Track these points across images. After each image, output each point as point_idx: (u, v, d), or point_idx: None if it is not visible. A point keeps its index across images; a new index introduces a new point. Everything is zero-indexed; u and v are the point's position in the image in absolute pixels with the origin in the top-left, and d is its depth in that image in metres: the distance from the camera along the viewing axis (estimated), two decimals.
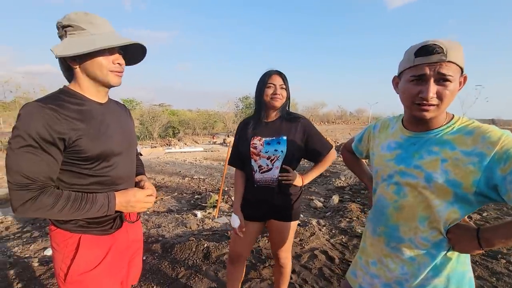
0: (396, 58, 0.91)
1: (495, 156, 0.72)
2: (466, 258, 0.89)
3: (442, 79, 0.77)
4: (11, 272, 2.36)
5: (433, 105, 0.79)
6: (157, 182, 8.62)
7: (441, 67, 0.76)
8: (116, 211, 1.00)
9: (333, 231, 3.27)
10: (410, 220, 0.87)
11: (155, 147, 18.07)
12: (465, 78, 0.83)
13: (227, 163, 4.45)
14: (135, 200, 1.01)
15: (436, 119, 0.84)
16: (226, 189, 6.67)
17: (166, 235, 3.27)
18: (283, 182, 1.46)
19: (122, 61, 0.99)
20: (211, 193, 6.05)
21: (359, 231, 3.20)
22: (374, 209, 1.02)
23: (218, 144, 22.19)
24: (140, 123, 21.94)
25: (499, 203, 3.28)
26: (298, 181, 1.49)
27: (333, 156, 1.56)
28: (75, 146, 0.88)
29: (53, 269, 2.37)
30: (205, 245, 2.68)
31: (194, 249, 2.63)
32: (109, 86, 0.99)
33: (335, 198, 5.11)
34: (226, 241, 2.80)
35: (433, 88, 0.78)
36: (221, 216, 4.27)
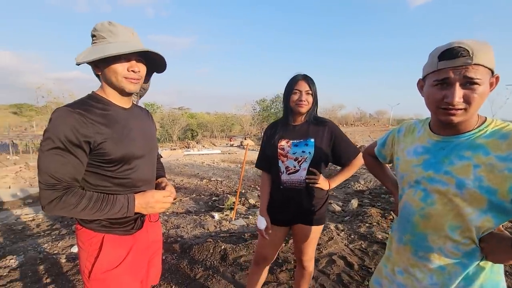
0: (420, 59, 0.87)
1: None
2: (499, 267, 0.84)
3: (469, 83, 0.73)
4: (41, 267, 2.50)
5: (460, 109, 0.75)
6: (176, 184, 8.82)
7: (467, 70, 0.72)
8: (136, 213, 1.03)
9: (352, 236, 3.18)
10: (439, 229, 0.83)
11: (175, 149, 18.53)
12: (497, 79, 0.77)
13: (245, 165, 4.44)
14: (153, 201, 1.03)
15: (466, 122, 0.80)
16: (243, 192, 6.69)
17: (184, 235, 3.33)
18: (310, 184, 1.46)
19: (139, 69, 1.00)
20: (228, 195, 6.10)
21: (380, 237, 3.09)
22: (400, 217, 0.98)
23: (236, 146, 22.37)
24: (160, 126, 22.64)
25: None
26: (325, 184, 1.49)
27: (360, 160, 1.54)
28: (100, 149, 0.93)
29: (78, 266, 2.49)
30: (223, 247, 2.70)
31: (211, 251, 2.66)
32: (124, 92, 1.01)
33: (354, 202, 4.98)
34: (243, 244, 2.81)
35: (459, 92, 0.74)
36: (238, 218, 4.29)
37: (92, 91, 1.03)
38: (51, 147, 0.86)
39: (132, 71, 0.97)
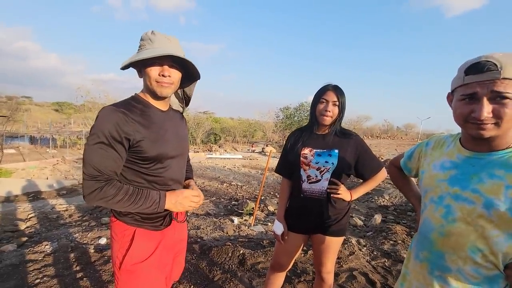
0: (453, 71, 0.85)
1: None
2: None
3: (499, 97, 0.70)
4: (72, 255, 2.67)
5: (491, 123, 0.72)
6: (198, 186, 9.03)
7: (495, 85, 0.70)
8: (165, 210, 1.09)
9: (375, 253, 3.06)
10: (459, 249, 0.79)
11: (198, 152, 18.99)
12: None
13: (266, 171, 4.44)
14: (182, 197, 1.09)
15: (501, 139, 0.76)
16: (262, 198, 6.69)
17: (204, 237, 3.40)
18: (331, 195, 1.44)
19: (170, 74, 1.03)
20: (247, 201, 6.13)
21: (405, 256, 2.94)
22: (419, 233, 0.95)
23: (257, 152, 22.45)
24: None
25: None
26: (347, 195, 1.46)
27: (383, 174, 1.52)
28: (138, 146, 1.00)
29: (105, 257, 2.63)
30: (241, 252, 2.71)
31: (230, 254, 2.68)
32: (157, 95, 1.07)
33: (378, 218, 4.78)
34: (261, 250, 2.81)
35: (487, 107, 0.71)
36: (257, 225, 4.29)
37: (135, 93, 1.11)
38: (96, 141, 0.93)
39: (163, 75, 1.03)
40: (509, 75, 0.69)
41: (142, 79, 1.08)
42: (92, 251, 2.77)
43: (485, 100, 0.72)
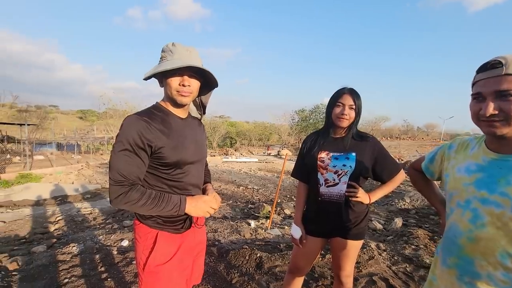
0: (476, 66, 0.84)
1: None
2: None
3: (503, 94, 0.72)
4: (97, 256, 2.80)
5: (500, 120, 0.74)
6: (214, 189, 9.13)
7: (498, 81, 0.72)
8: (185, 214, 1.13)
9: (395, 258, 2.97)
10: (488, 254, 0.77)
11: (214, 155, 19.24)
12: None
13: (282, 175, 4.44)
14: (202, 202, 1.13)
15: None
16: (279, 201, 6.67)
17: (221, 240, 3.44)
18: (350, 197, 1.44)
19: (189, 83, 1.07)
20: (264, 204, 6.14)
21: (428, 261, 2.84)
22: (445, 237, 0.93)
23: (272, 155, 22.40)
24: None
25: None
26: (365, 198, 1.45)
27: (402, 177, 1.51)
28: (159, 153, 1.05)
29: (128, 259, 2.73)
30: (258, 255, 2.73)
31: (247, 257, 2.71)
32: (177, 104, 1.12)
33: (398, 221, 4.63)
34: (278, 254, 2.81)
35: (492, 104, 0.74)
36: (273, 228, 4.29)
37: (156, 102, 1.17)
38: (121, 148, 0.99)
39: (183, 85, 1.08)
40: (511, 71, 0.70)
41: (162, 88, 1.14)
42: (115, 252, 2.88)
43: (490, 98, 0.74)
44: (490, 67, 0.74)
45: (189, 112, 1.25)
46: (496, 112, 0.73)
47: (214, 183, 9.86)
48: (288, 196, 8.38)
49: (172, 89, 1.08)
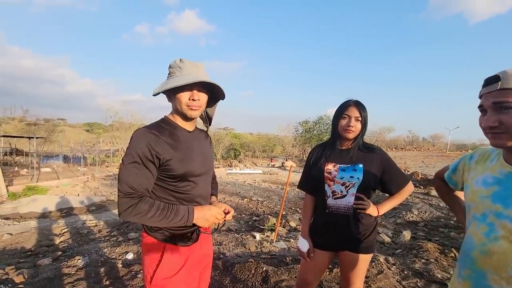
0: (482, 77, 0.86)
1: None
2: None
3: (500, 107, 0.75)
4: (102, 269, 2.78)
5: (501, 132, 0.75)
6: (218, 201, 9.07)
7: (494, 95, 0.76)
8: (193, 225, 1.14)
9: (406, 272, 2.89)
10: (501, 269, 0.76)
11: (218, 167, 19.23)
12: None
13: (287, 187, 4.41)
14: (210, 213, 1.14)
15: None
16: (284, 213, 6.60)
17: (226, 253, 3.40)
18: (358, 210, 1.42)
19: (199, 97, 1.11)
20: (269, 216, 6.07)
21: (439, 276, 2.76)
22: (461, 250, 0.92)
23: (276, 167, 22.31)
24: None
25: None
26: (374, 211, 1.43)
27: (410, 188, 1.49)
28: (167, 165, 1.07)
29: (133, 272, 2.71)
30: (264, 269, 2.69)
31: (253, 271, 2.66)
32: (187, 117, 1.16)
33: (407, 234, 4.54)
34: (284, 267, 2.76)
35: (491, 117, 0.76)
36: (279, 241, 4.22)
37: (165, 115, 1.20)
38: (130, 161, 1.01)
39: (193, 99, 1.11)
40: (507, 86, 0.73)
41: (171, 102, 1.17)
42: (120, 265, 2.86)
43: (490, 110, 0.77)
44: (489, 81, 0.78)
45: (196, 125, 1.28)
46: (496, 124, 0.75)
47: (218, 195, 9.81)
48: (293, 208, 8.29)
49: (182, 103, 1.11)
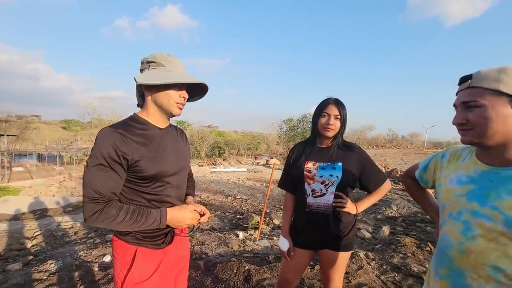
0: (457, 76, 0.88)
1: None
2: None
3: (467, 105, 0.78)
4: (76, 274, 2.65)
5: (466, 129, 0.79)
6: (202, 200, 8.96)
7: (463, 94, 0.79)
8: (167, 227, 1.08)
9: (384, 267, 2.97)
10: (479, 267, 0.76)
11: (202, 165, 19.02)
12: None
13: (271, 184, 4.42)
14: (182, 215, 1.08)
15: None
16: (268, 211, 6.61)
17: (209, 253, 3.35)
18: (337, 208, 1.43)
19: (186, 96, 1.12)
20: (253, 214, 6.06)
21: (416, 269, 2.85)
22: (437, 248, 0.92)
23: (261, 165, 22.39)
24: (190, 142, 23.71)
25: None
26: (352, 209, 1.44)
27: (388, 186, 1.52)
28: (136, 166, 1.00)
29: (109, 275, 2.60)
30: (246, 268, 2.66)
31: (235, 271, 2.63)
32: (171, 115, 1.12)
33: (386, 230, 4.67)
34: (267, 266, 2.75)
35: (459, 114, 0.80)
36: (262, 239, 4.22)
37: (134, 113, 1.13)
38: (95, 163, 0.94)
39: (183, 97, 1.09)
40: (476, 84, 0.76)
41: (148, 96, 1.07)
42: (96, 269, 2.74)
43: (460, 108, 0.80)
44: (462, 80, 0.80)
45: (169, 122, 1.22)
46: (464, 121, 0.79)
47: (202, 194, 9.70)
48: (277, 206, 8.33)
49: (171, 100, 1.07)
